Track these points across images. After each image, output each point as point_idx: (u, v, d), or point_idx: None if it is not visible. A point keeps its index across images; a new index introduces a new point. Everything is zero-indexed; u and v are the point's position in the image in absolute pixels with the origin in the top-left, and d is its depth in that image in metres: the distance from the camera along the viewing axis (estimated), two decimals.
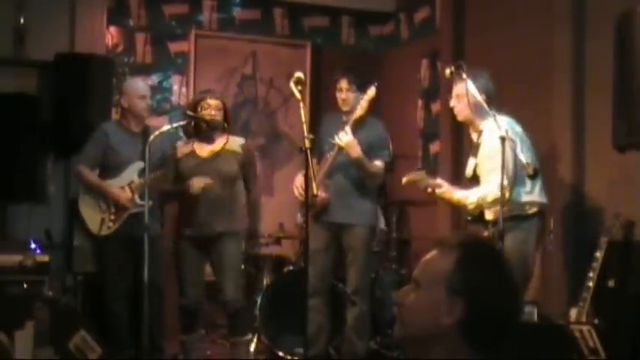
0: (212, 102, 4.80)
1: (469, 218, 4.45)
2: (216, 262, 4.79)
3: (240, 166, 4.85)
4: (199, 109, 4.78)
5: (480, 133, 4.32)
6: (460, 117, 4.42)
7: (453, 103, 4.40)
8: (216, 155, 4.81)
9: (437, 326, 1.58)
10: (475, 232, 4.30)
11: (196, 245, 4.76)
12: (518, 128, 4.26)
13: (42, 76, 5.74)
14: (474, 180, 4.37)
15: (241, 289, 4.87)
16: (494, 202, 4.10)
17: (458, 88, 4.31)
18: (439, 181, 4.36)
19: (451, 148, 5.87)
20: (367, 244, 4.97)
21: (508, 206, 4.00)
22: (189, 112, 4.78)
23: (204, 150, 4.82)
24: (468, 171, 4.42)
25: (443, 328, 1.58)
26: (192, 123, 4.80)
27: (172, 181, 4.83)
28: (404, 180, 4.37)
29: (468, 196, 4.28)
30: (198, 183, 4.65)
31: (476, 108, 4.20)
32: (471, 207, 4.30)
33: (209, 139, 4.83)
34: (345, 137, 4.74)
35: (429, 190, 4.33)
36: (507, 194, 3.95)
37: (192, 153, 4.81)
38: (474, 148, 4.39)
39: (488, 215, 4.31)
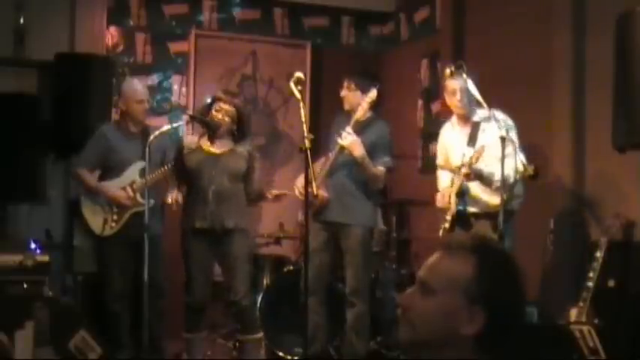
0: (225, 107, 4.77)
1: (448, 218, 4.51)
2: (225, 260, 4.77)
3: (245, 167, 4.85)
4: (212, 110, 4.77)
5: (475, 124, 4.53)
6: (460, 110, 4.60)
7: (458, 96, 4.48)
8: (226, 153, 4.80)
9: (455, 335, 1.54)
10: (482, 234, 4.33)
11: (205, 242, 4.74)
12: (510, 122, 4.43)
13: (42, 76, 5.74)
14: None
15: (250, 287, 4.86)
16: (511, 186, 4.32)
17: (457, 83, 4.48)
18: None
19: None
20: (364, 245, 4.95)
21: (512, 197, 4.30)
22: (190, 113, 4.79)
23: (212, 147, 4.79)
24: (465, 159, 4.47)
25: (461, 336, 1.54)
26: (201, 125, 4.79)
27: (176, 174, 4.81)
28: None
29: (493, 173, 4.42)
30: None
31: (472, 103, 4.48)
32: (496, 185, 4.41)
33: (217, 140, 4.82)
34: (348, 137, 4.73)
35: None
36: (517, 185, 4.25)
37: (200, 148, 4.78)
38: (469, 139, 4.54)
39: (473, 207, 4.51)
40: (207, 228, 4.69)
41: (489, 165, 4.41)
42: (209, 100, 4.91)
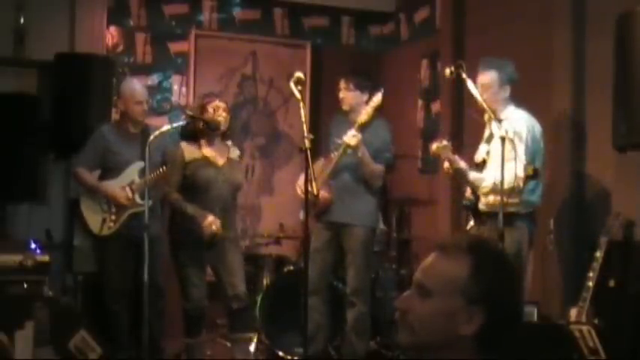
0: (221, 104, 4.78)
1: (465, 203, 4.51)
2: (220, 263, 4.76)
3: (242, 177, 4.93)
4: (210, 110, 4.74)
5: (499, 121, 4.33)
6: (492, 105, 4.39)
7: (481, 92, 4.38)
8: (229, 164, 4.81)
9: (454, 335, 1.54)
10: (476, 234, 4.33)
11: (200, 249, 4.73)
12: (524, 124, 4.36)
13: (42, 76, 5.74)
14: (481, 166, 4.49)
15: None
16: (510, 190, 4.15)
17: (483, 78, 4.41)
18: (457, 158, 4.49)
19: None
20: (366, 246, 4.96)
21: (513, 198, 4.17)
22: (190, 113, 4.77)
23: (216, 157, 4.77)
24: (478, 157, 4.47)
25: (460, 337, 1.54)
26: (201, 124, 4.70)
27: (180, 185, 4.71)
28: (432, 148, 4.52)
29: (483, 178, 4.38)
30: (214, 224, 4.59)
31: (503, 98, 4.41)
32: (484, 190, 4.37)
33: (214, 143, 4.79)
34: (353, 137, 4.72)
35: (447, 165, 4.47)
36: (521, 185, 4.15)
37: (206, 159, 4.73)
38: (488, 136, 4.48)
39: (482, 206, 4.43)
40: (207, 242, 4.70)
41: (495, 167, 4.35)
42: (201, 104, 4.86)
